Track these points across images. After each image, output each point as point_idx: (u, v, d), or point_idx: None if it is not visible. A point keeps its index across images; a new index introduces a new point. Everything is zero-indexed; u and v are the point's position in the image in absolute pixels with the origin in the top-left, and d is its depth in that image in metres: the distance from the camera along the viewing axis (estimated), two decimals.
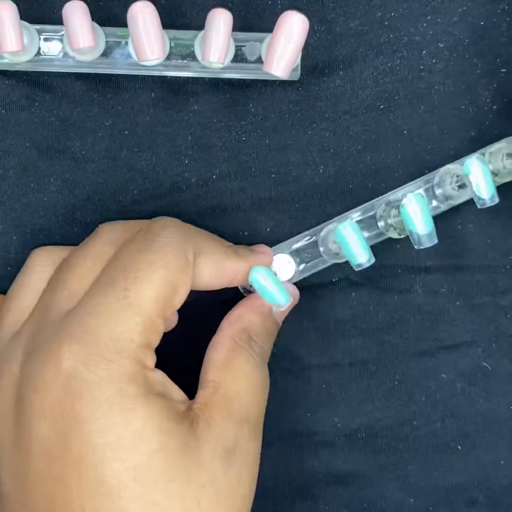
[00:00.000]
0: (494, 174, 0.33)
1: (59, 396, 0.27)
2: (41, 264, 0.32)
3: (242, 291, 0.34)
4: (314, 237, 0.35)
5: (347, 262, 0.33)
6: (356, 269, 0.32)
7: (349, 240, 0.32)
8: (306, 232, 0.35)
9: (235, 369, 0.30)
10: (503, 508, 0.36)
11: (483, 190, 0.31)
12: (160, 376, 0.29)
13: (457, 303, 0.36)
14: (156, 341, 0.29)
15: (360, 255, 0.32)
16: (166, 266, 0.28)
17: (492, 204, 0.32)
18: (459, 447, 0.36)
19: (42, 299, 0.31)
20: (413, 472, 0.36)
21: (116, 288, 0.28)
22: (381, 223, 0.34)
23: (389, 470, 0.36)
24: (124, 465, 0.26)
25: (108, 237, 0.31)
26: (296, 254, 0.34)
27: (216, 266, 0.31)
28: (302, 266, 0.34)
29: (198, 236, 0.31)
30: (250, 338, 0.31)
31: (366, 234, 0.34)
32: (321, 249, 0.34)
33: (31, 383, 0.28)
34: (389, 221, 0.33)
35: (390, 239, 0.34)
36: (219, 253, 0.31)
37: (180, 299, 0.29)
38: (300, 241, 0.35)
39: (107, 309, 0.27)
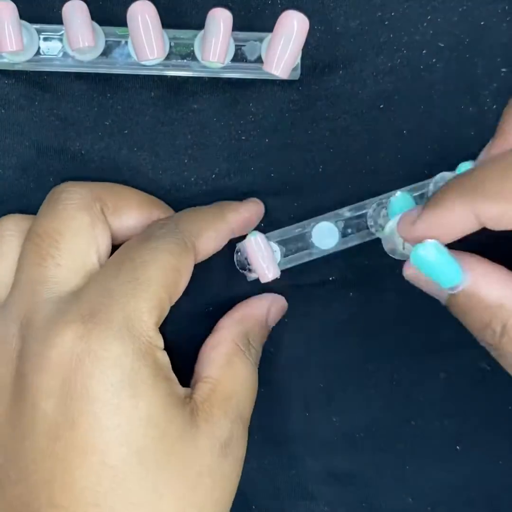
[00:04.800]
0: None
1: (69, 375, 0.27)
2: (9, 233, 0.32)
3: (238, 267, 0.34)
4: (304, 229, 0.34)
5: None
6: (450, 292, 0.28)
7: (435, 261, 0.27)
8: (297, 224, 0.35)
9: (234, 370, 0.32)
10: (502, 508, 0.36)
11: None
12: (167, 359, 0.29)
13: None
14: (160, 323, 0.29)
15: (451, 273, 0.27)
16: (171, 252, 0.29)
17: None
18: (457, 447, 0.36)
19: (26, 273, 0.30)
20: (412, 472, 0.36)
21: (125, 271, 0.29)
22: (371, 223, 0.34)
23: (388, 470, 0.36)
24: (130, 449, 0.27)
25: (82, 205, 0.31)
26: (283, 243, 0.34)
27: (215, 242, 0.32)
28: (286, 257, 0.34)
29: (195, 220, 0.32)
30: (249, 343, 0.33)
31: (364, 234, 0.34)
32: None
33: (35, 362, 0.28)
34: (379, 221, 0.33)
35: None
36: (216, 230, 0.32)
37: (184, 284, 0.30)
38: (291, 232, 0.35)
39: (117, 289, 0.28)
